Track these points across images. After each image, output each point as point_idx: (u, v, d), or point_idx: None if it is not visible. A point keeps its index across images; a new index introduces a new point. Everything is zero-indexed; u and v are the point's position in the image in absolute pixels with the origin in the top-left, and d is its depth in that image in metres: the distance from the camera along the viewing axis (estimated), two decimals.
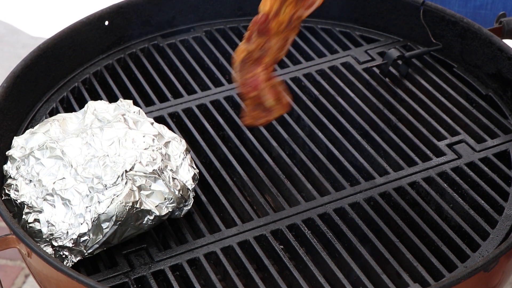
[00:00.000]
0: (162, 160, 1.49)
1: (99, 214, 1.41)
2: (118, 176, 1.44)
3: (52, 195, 1.44)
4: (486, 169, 1.65)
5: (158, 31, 2.03)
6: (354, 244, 1.49)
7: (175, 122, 1.78)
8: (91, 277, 1.41)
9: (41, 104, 1.79)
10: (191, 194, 1.52)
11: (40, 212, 1.43)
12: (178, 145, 1.56)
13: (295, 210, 1.56)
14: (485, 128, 1.76)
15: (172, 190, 1.48)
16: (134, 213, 1.44)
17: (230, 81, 1.90)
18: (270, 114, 1.58)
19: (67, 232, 1.41)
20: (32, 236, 1.43)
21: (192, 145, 1.71)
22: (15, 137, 1.55)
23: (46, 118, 1.74)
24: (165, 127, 1.59)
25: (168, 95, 1.85)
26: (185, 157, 1.54)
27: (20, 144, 1.53)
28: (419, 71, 1.91)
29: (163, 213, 1.47)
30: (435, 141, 1.71)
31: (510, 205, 1.57)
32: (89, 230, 1.41)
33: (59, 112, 1.77)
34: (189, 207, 1.52)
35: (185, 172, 1.53)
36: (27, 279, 2.61)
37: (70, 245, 1.42)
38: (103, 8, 1.94)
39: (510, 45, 1.85)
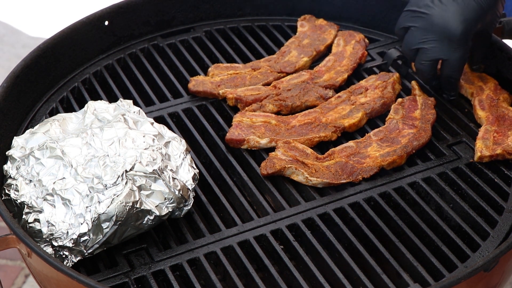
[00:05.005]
0: (162, 160, 1.49)
1: (99, 214, 1.41)
2: (118, 176, 1.44)
3: (52, 195, 1.44)
4: (486, 169, 1.65)
5: (158, 31, 2.03)
6: (354, 244, 1.49)
7: (175, 122, 1.78)
8: (91, 277, 1.41)
9: (41, 104, 1.79)
10: (191, 194, 1.52)
11: (40, 212, 1.43)
12: (178, 145, 1.55)
13: (295, 210, 1.56)
14: None
15: (172, 190, 1.48)
16: (134, 213, 1.44)
17: None
18: None
19: (67, 232, 1.41)
20: (32, 236, 1.43)
21: (192, 145, 1.71)
22: (15, 137, 1.55)
23: (46, 118, 1.74)
24: (165, 127, 1.59)
25: (168, 95, 1.85)
26: (185, 157, 1.54)
27: (20, 144, 1.53)
28: None
29: (163, 213, 1.47)
30: (435, 141, 1.71)
31: (510, 205, 1.57)
32: (89, 230, 1.41)
33: (59, 112, 1.77)
34: (189, 207, 1.52)
35: (185, 172, 1.53)
36: (27, 279, 2.61)
37: (70, 245, 1.41)
38: (103, 8, 1.94)
39: (510, 45, 1.85)
